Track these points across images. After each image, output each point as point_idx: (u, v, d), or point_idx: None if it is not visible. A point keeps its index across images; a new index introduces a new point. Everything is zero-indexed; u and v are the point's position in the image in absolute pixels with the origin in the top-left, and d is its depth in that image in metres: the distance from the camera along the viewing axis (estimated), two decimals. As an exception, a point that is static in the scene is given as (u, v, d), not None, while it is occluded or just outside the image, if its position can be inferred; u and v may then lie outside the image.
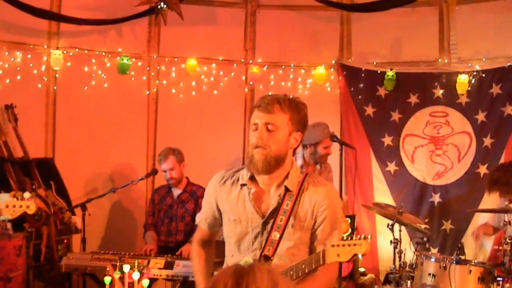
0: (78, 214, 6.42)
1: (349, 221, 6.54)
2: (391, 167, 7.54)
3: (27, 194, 4.13)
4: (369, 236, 2.77)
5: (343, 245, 2.76)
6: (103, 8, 7.34)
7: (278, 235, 2.97)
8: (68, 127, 7.32)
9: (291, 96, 3.05)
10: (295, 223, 3.01)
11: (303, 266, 2.86)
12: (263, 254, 2.97)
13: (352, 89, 7.67)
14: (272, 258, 2.96)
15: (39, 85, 7.24)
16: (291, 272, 2.88)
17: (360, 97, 7.65)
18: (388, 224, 5.96)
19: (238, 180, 3.13)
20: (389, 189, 7.51)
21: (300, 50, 7.95)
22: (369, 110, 7.58)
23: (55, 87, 7.32)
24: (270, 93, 7.70)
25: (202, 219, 3.34)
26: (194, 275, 3.37)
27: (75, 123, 7.35)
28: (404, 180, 7.50)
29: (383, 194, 7.45)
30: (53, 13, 7.22)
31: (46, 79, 7.28)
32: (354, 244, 2.74)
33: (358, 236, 2.76)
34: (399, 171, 7.53)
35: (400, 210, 5.99)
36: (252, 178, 3.08)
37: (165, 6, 7.06)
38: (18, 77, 7.07)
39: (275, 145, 2.96)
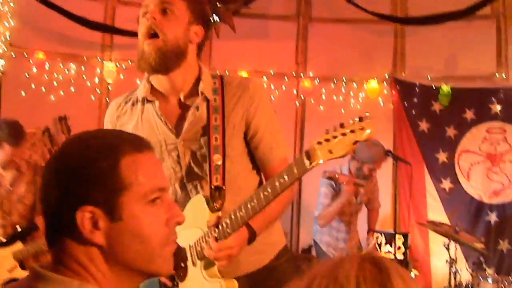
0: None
1: (402, 239, 6.35)
2: (446, 184, 7.31)
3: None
4: (367, 114, 2.13)
5: (335, 137, 2.12)
6: (156, 20, 7.30)
7: (220, 158, 2.41)
8: (119, 139, 7.27)
9: None
10: (230, 137, 2.47)
11: (281, 180, 2.19)
12: (212, 185, 2.41)
13: (405, 103, 7.50)
14: (224, 188, 2.41)
15: (92, 97, 7.27)
16: (262, 194, 2.24)
17: (414, 112, 7.46)
18: (444, 243, 5.76)
19: (136, 99, 2.55)
20: (444, 207, 7.28)
21: (353, 64, 7.79)
22: (423, 126, 7.38)
23: (107, 99, 7.31)
24: (320, 107, 7.64)
25: None
26: None
27: (126, 135, 7.32)
28: (459, 198, 7.25)
29: (437, 212, 7.22)
30: (107, 26, 7.28)
31: (99, 91, 7.31)
32: (352, 131, 2.08)
33: (353, 121, 2.11)
34: (454, 188, 7.30)
35: (456, 229, 5.79)
36: (153, 91, 2.51)
37: (217, 19, 7.03)
38: (72, 89, 7.13)
39: (171, 31, 2.39)
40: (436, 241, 6.42)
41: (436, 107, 7.40)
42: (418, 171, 7.20)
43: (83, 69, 7.21)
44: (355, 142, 2.09)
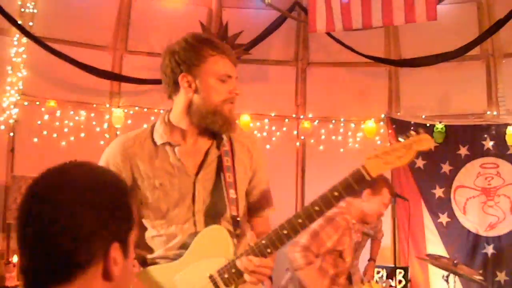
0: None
1: (403, 273, 6.24)
2: (443, 218, 7.26)
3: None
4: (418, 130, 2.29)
5: (394, 150, 2.24)
6: (162, 68, 7.35)
7: (234, 193, 2.45)
8: (128, 182, 7.26)
9: None
10: (239, 180, 2.52)
11: (335, 194, 2.25)
12: (231, 214, 2.44)
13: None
14: (239, 219, 2.45)
15: (101, 142, 7.26)
16: (312, 209, 2.28)
17: (409, 149, 7.40)
18: (443, 276, 5.64)
19: (152, 139, 2.48)
20: (442, 240, 7.23)
21: (350, 105, 7.83)
22: (420, 163, 7.36)
23: (116, 144, 7.31)
24: (320, 147, 7.59)
25: None
26: None
27: (134, 178, 7.30)
28: (456, 231, 7.21)
29: (435, 246, 7.17)
30: (115, 74, 7.31)
31: (108, 136, 7.31)
32: (413, 142, 2.24)
33: (408, 136, 2.25)
34: (451, 222, 7.25)
35: (454, 262, 5.67)
36: (173, 132, 2.47)
37: (220, 65, 7.07)
38: (82, 135, 7.15)
39: None
40: (436, 274, 6.32)
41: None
42: (416, 207, 7.15)
43: (93, 115, 7.25)
44: (418, 152, 2.26)
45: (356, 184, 2.25)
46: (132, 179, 2.44)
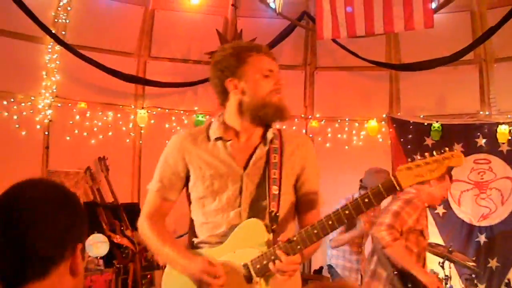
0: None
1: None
2: (440, 210, 7.51)
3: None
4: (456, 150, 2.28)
5: (426, 163, 2.24)
6: (182, 72, 7.63)
7: (277, 189, 2.48)
8: (151, 176, 7.49)
9: None
10: (285, 176, 2.55)
11: (366, 200, 2.28)
12: (270, 211, 2.47)
13: (401, 139, 7.78)
14: (278, 215, 2.47)
15: (127, 140, 7.60)
16: (343, 213, 2.31)
17: (409, 146, 7.72)
18: (439, 262, 5.88)
19: (208, 135, 2.59)
20: (438, 230, 7.46)
21: (354, 106, 8.09)
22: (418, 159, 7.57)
23: (140, 142, 7.68)
24: (327, 145, 7.91)
25: (160, 186, 2.63)
26: (161, 253, 2.58)
27: (157, 173, 7.58)
28: (452, 221, 7.47)
29: (432, 235, 7.20)
30: (139, 78, 7.59)
31: (133, 134, 7.65)
32: (445, 158, 2.23)
33: (443, 150, 2.26)
34: (447, 213, 7.51)
35: (450, 249, 5.92)
36: (226, 130, 2.58)
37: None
38: (110, 133, 7.47)
39: None
40: (432, 261, 6.51)
41: (429, 141, 7.67)
42: (414, 199, 7.39)
43: (119, 116, 7.56)
44: (451, 168, 2.36)
45: (386, 192, 2.27)
46: (186, 169, 2.58)
